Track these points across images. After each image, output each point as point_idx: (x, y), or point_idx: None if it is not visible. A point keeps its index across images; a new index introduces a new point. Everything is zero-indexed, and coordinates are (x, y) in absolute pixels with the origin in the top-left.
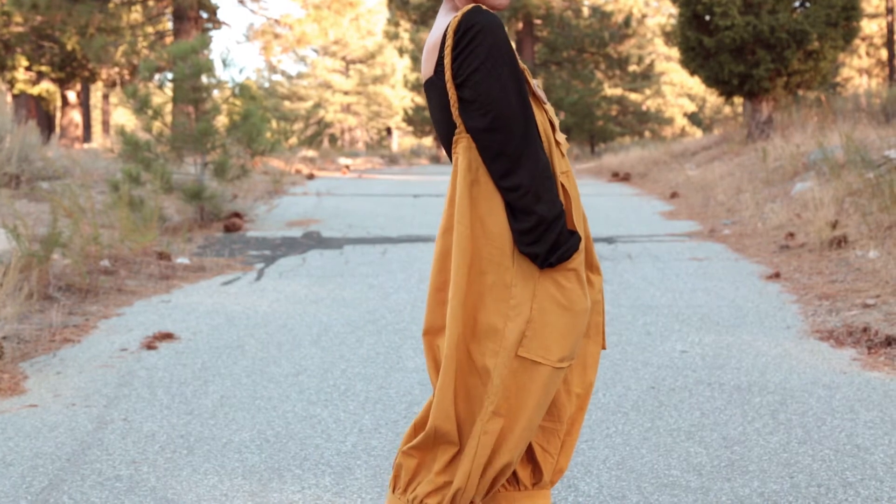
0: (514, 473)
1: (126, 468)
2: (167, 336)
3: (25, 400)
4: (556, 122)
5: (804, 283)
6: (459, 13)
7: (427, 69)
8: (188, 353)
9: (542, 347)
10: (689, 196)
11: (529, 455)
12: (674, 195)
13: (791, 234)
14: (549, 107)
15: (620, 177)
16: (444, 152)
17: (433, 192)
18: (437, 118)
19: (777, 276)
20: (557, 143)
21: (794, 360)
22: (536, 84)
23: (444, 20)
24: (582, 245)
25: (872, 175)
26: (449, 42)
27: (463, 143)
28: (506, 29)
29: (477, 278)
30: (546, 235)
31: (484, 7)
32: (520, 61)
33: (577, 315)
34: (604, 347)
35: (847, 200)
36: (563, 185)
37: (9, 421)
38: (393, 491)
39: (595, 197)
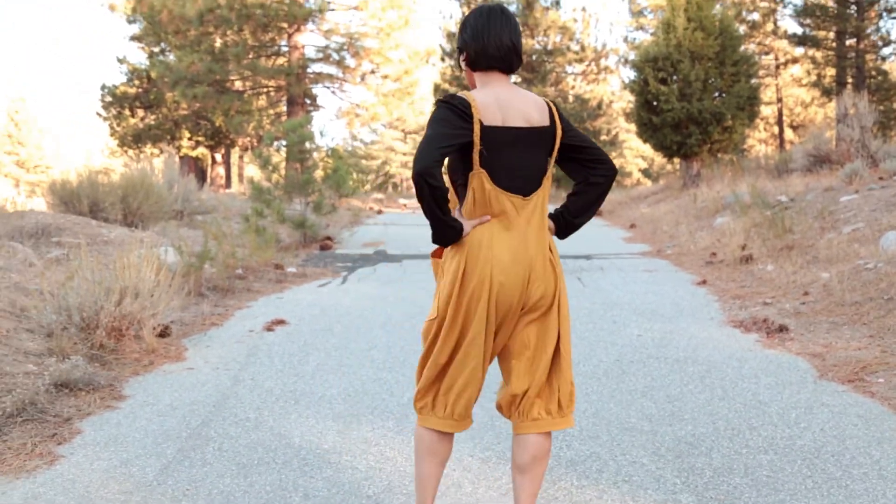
0: (531, 405)
1: (253, 412)
2: (281, 322)
3: (186, 365)
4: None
5: (723, 288)
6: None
7: None
8: (295, 333)
9: (434, 308)
10: (643, 227)
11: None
12: (632, 226)
13: (714, 254)
14: (489, 173)
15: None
16: None
17: None
18: None
19: (704, 282)
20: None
21: (716, 342)
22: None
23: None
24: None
25: (769, 213)
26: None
27: None
28: (461, 108)
29: None
30: (432, 228)
31: (461, 93)
32: (479, 131)
33: (447, 283)
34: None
35: (752, 230)
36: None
37: (175, 379)
38: None
39: None
